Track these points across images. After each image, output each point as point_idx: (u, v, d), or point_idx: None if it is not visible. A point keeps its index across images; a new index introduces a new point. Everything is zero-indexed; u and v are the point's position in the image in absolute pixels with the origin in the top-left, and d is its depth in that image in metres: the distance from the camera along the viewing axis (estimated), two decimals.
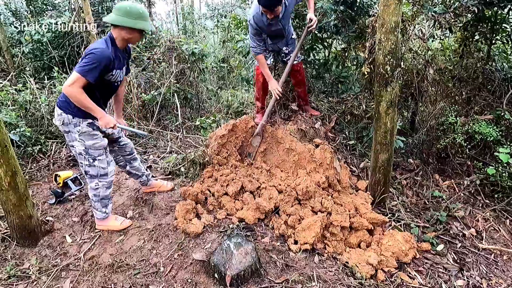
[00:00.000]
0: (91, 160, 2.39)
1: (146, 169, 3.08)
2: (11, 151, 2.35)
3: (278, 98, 3.28)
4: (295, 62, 3.41)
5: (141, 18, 2.25)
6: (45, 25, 5.99)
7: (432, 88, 3.96)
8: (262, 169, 3.17)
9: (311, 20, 3.11)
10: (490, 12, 3.61)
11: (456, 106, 3.67)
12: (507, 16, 3.63)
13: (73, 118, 2.25)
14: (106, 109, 2.52)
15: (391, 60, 2.53)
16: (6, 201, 2.40)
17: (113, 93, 2.50)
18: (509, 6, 3.47)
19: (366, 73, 3.05)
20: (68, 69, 5.26)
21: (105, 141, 2.46)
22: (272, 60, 3.52)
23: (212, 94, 6.46)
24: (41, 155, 3.83)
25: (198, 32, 8.84)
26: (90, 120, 2.32)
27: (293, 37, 3.41)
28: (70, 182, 3.25)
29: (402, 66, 3.10)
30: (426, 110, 4.33)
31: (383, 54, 2.53)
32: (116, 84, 2.42)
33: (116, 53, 2.27)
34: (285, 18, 3.11)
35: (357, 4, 3.56)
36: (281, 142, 3.27)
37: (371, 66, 3.09)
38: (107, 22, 2.35)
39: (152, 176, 3.22)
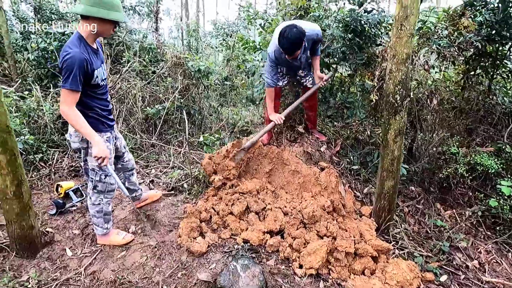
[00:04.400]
0: (103, 176, 2.37)
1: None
2: (19, 160, 2.33)
3: (277, 123, 3.26)
4: (310, 86, 3.46)
5: (114, 7, 2.07)
6: (54, 34, 6.03)
7: (433, 118, 4.04)
8: (267, 190, 3.17)
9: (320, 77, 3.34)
10: (491, 48, 3.75)
11: (458, 137, 3.74)
12: (508, 52, 3.76)
13: None
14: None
15: (401, 90, 2.59)
16: (9, 210, 2.36)
17: (107, 96, 2.37)
18: (510, 43, 3.61)
19: (374, 100, 3.11)
20: None
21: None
22: (285, 82, 3.56)
23: (213, 110, 6.51)
24: (42, 164, 3.78)
25: (202, 49, 8.98)
26: (108, 134, 2.31)
27: (309, 61, 3.46)
28: (71, 193, 3.20)
29: (411, 96, 3.17)
30: (426, 138, 4.41)
31: (394, 84, 2.60)
32: (105, 85, 2.31)
33: (89, 51, 2.11)
34: (304, 53, 3.17)
35: (365, 34, 3.67)
36: (286, 163, 3.28)
37: (379, 93, 3.16)
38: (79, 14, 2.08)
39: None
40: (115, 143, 2.49)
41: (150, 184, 3.62)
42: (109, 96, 2.42)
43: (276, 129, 3.64)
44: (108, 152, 2.15)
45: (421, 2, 2.47)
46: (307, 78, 3.48)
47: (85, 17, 2.08)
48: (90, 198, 2.45)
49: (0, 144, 2.18)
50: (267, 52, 3.22)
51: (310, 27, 3.08)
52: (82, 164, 2.40)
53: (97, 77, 2.16)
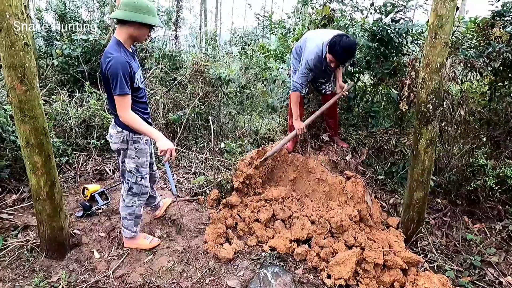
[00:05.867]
0: (139, 178, 2.39)
1: None
2: (53, 161, 2.36)
3: (298, 134, 3.26)
4: (328, 92, 3.46)
5: (150, 12, 2.12)
6: (77, 41, 6.17)
7: (456, 129, 3.96)
8: (292, 198, 3.14)
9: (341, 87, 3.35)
10: None
11: (485, 149, 3.66)
12: None
13: (134, 135, 2.26)
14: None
15: (434, 99, 2.56)
16: (42, 211, 2.39)
17: (146, 99, 2.40)
18: None
19: (404, 109, 3.08)
20: (98, 85, 5.37)
21: None
22: (306, 89, 3.57)
23: (230, 118, 6.54)
24: (67, 167, 3.83)
25: (219, 58, 9.07)
26: (147, 137, 2.34)
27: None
28: (97, 196, 3.23)
29: (444, 106, 3.13)
30: (452, 150, 4.32)
31: (426, 93, 2.56)
32: (143, 88, 2.35)
33: (128, 54, 2.17)
34: None
35: (392, 43, 3.65)
36: (312, 171, 3.26)
37: (408, 103, 3.12)
38: (115, 19, 2.12)
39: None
40: (151, 147, 2.52)
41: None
42: (147, 99, 2.45)
43: (300, 137, 3.63)
44: (172, 144, 2.15)
45: (456, 10, 2.44)
46: (327, 85, 3.49)
47: (123, 22, 2.13)
48: (124, 200, 2.46)
49: (37, 145, 2.22)
50: (304, 58, 3.14)
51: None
52: (120, 165, 2.42)
53: (137, 79, 2.21)
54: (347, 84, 3.44)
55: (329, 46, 2.91)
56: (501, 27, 3.41)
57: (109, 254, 2.59)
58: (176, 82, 5.67)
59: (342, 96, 3.44)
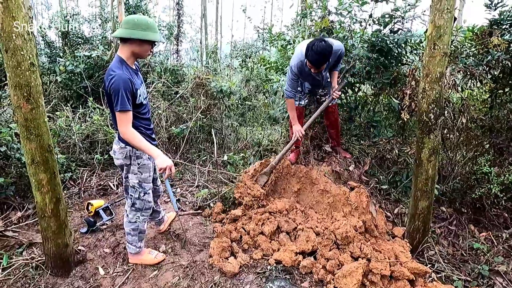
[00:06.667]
0: (142, 194, 2.40)
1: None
2: (58, 178, 2.38)
3: (299, 139, 3.25)
4: (330, 104, 3.49)
5: (150, 29, 2.15)
6: (80, 57, 6.26)
7: (458, 136, 3.96)
8: (297, 210, 3.13)
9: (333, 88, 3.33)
10: None
11: (489, 156, 3.66)
12: None
13: (137, 150, 2.28)
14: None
15: (435, 108, 2.57)
16: (47, 228, 2.39)
17: (149, 115, 2.42)
18: None
19: (405, 119, 3.09)
20: (101, 100, 5.41)
21: None
22: (306, 101, 3.60)
23: (232, 130, 6.58)
24: (72, 183, 3.85)
25: (220, 70, 9.17)
26: None
27: (328, 80, 3.50)
28: (101, 212, 3.23)
29: (446, 115, 3.14)
30: (455, 157, 4.31)
31: (427, 103, 2.58)
32: (147, 104, 2.37)
33: (130, 71, 2.20)
34: (325, 70, 3.22)
35: (391, 53, 3.69)
36: (315, 183, 3.26)
37: (409, 112, 3.14)
38: (117, 38, 2.18)
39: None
40: (154, 162, 2.53)
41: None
42: (150, 115, 2.47)
43: (303, 148, 3.64)
44: (171, 161, 2.14)
45: (454, 21, 2.48)
46: (327, 97, 3.51)
47: (125, 40, 2.17)
48: (127, 215, 2.47)
49: (42, 163, 2.24)
50: (290, 65, 3.27)
51: (334, 43, 3.11)
52: (123, 181, 2.44)
53: (140, 95, 2.23)
54: (338, 83, 3.42)
55: (305, 51, 2.94)
56: (499, 35, 3.45)
57: (114, 270, 2.58)
58: (178, 95, 5.72)
59: (336, 97, 3.36)
